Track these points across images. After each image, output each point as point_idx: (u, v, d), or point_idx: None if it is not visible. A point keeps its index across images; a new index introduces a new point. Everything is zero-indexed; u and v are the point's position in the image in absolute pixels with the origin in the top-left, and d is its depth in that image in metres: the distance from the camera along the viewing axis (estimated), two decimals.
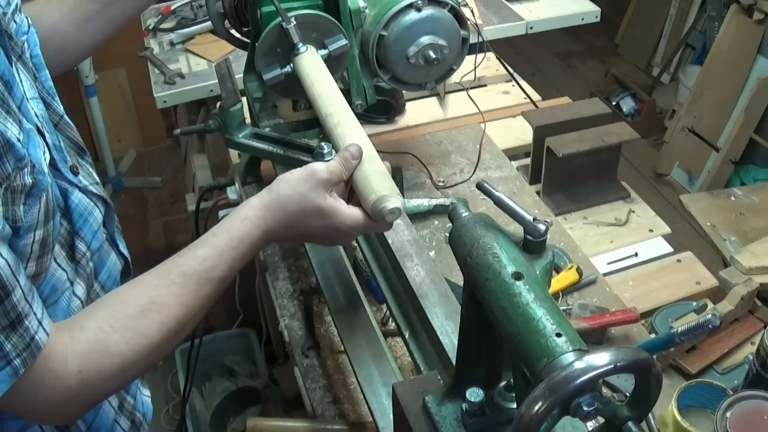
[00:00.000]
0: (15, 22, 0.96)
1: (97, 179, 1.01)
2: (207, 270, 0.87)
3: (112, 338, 0.79)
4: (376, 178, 0.96)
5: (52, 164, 0.88)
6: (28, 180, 0.76)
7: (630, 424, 0.63)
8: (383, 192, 0.94)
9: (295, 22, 1.27)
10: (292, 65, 1.29)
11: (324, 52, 1.31)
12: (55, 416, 0.83)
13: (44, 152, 0.83)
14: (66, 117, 0.99)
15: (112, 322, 0.80)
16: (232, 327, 2.50)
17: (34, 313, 0.74)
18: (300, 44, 1.28)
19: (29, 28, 0.99)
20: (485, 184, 0.80)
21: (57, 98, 1.00)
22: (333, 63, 1.30)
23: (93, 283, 0.96)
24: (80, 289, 0.92)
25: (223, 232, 0.90)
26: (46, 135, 0.88)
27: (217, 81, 1.43)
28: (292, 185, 0.94)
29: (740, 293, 1.28)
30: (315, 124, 1.50)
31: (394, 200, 0.93)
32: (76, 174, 0.94)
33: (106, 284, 1.00)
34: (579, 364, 0.59)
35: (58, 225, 0.86)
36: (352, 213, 0.95)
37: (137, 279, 0.87)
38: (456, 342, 0.84)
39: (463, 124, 1.90)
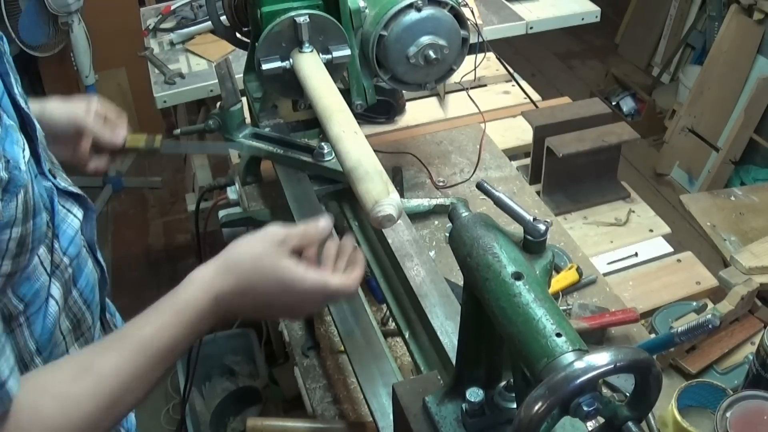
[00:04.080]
0: None
1: (70, 182, 0.97)
2: (148, 338, 0.79)
3: (43, 403, 0.73)
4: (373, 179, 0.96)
5: (39, 164, 0.86)
6: (4, 175, 0.72)
7: (630, 424, 0.63)
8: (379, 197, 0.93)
9: (309, 20, 1.27)
10: (291, 61, 1.29)
11: (327, 57, 1.31)
12: None
13: (24, 149, 0.78)
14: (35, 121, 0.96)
15: (47, 385, 0.74)
16: (232, 327, 2.50)
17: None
18: (306, 43, 1.29)
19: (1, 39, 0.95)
20: (485, 184, 0.80)
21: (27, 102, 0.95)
22: (331, 69, 1.30)
23: (71, 290, 0.92)
24: (57, 292, 0.88)
25: (169, 296, 0.82)
26: (38, 130, 0.86)
27: (217, 81, 1.43)
28: (245, 246, 0.87)
29: (740, 293, 1.28)
30: (315, 124, 1.50)
31: (387, 207, 0.91)
32: (54, 177, 0.91)
33: (84, 292, 0.95)
34: (579, 364, 0.59)
35: (42, 226, 0.81)
36: (313, 278, 0.86)
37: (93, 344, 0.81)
38: (456, 342, 0.84)
39: (463, 124, 1.90)
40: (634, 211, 1.68)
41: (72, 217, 0.93)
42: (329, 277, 0.88)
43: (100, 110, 1.22)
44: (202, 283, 0.83)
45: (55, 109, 1.15)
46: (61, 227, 0.90)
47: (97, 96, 1.24)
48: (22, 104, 0.85)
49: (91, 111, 1.20)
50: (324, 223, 0.91)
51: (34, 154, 0.87)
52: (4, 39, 0.92)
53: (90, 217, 0.97)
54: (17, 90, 0.84)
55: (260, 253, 0.85)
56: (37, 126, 0.91)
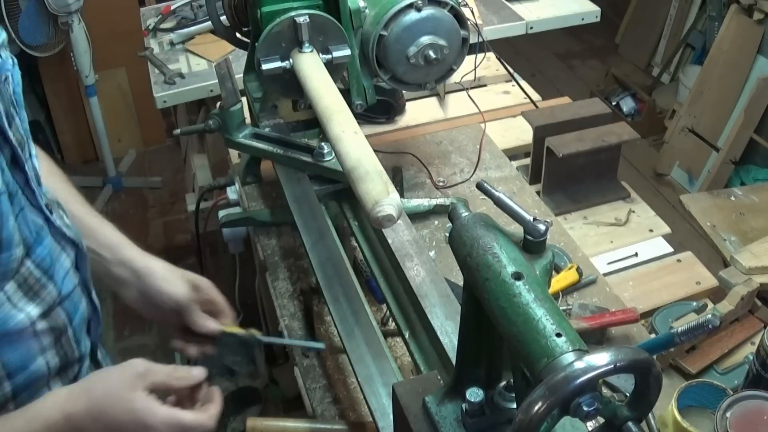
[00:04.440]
0: (0, 57, 0.90)
1: (68, 222, 0.96)
2: None
3: None
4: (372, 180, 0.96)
5: (30, 199, 0.86)
6: None
7: (630, 424, 0.63)
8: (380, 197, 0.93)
9: (309, 20, 1.27)
10: (291, 61, 1.29)
11: (327, 57, 1.31)
12: None
13: None
14: (34, 160, 0.93)
15: None
16: None
17: None
18: (306, 43, 1.29)
19: (14, 66, 0.94)
20: (485, 184, 0.80)
21: (30, 141, 0.93)
22: (331, 69, 1.30)
23: (67, 329, 0.92)
24: (46, 335, 0.88)
25: (26, 407, 0.83)
26: (31, 165, 0.85)
27: (217, 81, 1.43)
28: (104, 374, 0.90)
29: (740, 293, 1.28)
30: (315, 124, 1.50)
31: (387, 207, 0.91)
32: (51, 212, 0.91)
33: (76, 330, 0.95)
34: (579, 364, 0.59)
35: (11, 262, 0.81)
36: (165, 412, 0.86)
37: None
38: (456, 342, 0.84)
39: (463, 124, 1.90)
40: (634, 211, 1.68)
41: (65, 256, 0.93)
42: (181, 413, 0.89)
43: (209, 297, 1.12)
44: (54, 401, 0.84)
45: (163, 278, 1.09)
46: (56, 263, 0.90)
47: (207, 281, 1.13)
48: (11, 137, 0.83)
49: (200, 296, 1.11)
50: (197, 372, 0.92)
51: (27, 187, 0.86)
52: (15, 78, 0.91)
53: (83, 257, 0.97)
54: (5, 123, 0.83)
55: (115, 381, 0.86)
56: (30, 159, 0.89)
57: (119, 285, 1.10)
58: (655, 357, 1.22)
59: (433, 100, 2.03)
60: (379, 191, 0.93)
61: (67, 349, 0.94)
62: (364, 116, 1.84)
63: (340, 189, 1.42)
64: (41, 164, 1.05)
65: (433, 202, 1.55)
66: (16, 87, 0.93)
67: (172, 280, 1.09)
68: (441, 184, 1.68)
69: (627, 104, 4.11)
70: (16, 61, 0.95)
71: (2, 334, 0.83)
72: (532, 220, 0.75)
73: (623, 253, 1.57)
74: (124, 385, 0.86)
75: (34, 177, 0.92)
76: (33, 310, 0.86)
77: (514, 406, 0.80)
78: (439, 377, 0.89)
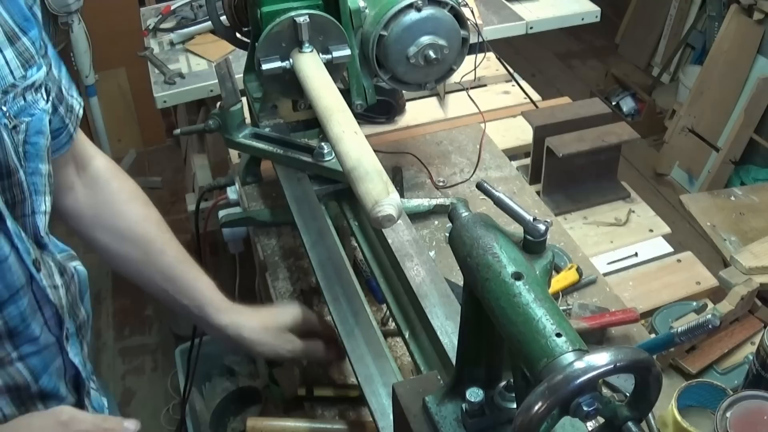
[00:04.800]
0: (24, 99, 0.85)
1: (58, 282, 0.93)
2: None
3: None
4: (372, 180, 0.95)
5: (16, 254, 0.83)
6: None
7: (630, 424, 0.63)
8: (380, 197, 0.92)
9: (309, 20, 1.27)
10: (291, 61, 1.29)
11: (327, 57, 1.31)
12: None
13: None
14: (37, 216, 0.90)
15: None
16: None
17: None
18: (306, 43, 1.29)
19: (43, 113, 0.88)
20: (485, 184, 0.80)
21: (41, 197, 0.90)
22: (331, 69, 1.30)
23: (30, 387, 0.90)
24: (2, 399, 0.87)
25: None
26: (7, 221, 0.81)
27: (217, 81, 1.43)
28: (26, 419, 0.84)
29: (740, 293, 1.28)
30: (315, 124, 1.50)
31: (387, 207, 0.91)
32: (38, 270, 0.88)
33: (46, 389, 0.93)
34: (579, 364, 0.59)
35: None
36: None
37: None
38: (456, 342, 0.84)
39: (463, 124, 1.89)
40: (634, 211, 1.68)
41: (39, 315, 0.90)
42: None
43: (307, 328, 1.18)
44: None
45: (251, 344, 1.13)
46: (26, 323, 0.88)
47: (299, 313, 1.17)
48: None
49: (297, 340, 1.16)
50: (129, 424, 0.88)
51: (13, 243, 0.83)
52: (34, 126, 0.86)
53: (59, 316, 0.94)
54: None
55: (36, 428, 0.84)
56: (32, 216, 0.87)
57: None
58: (655, 357, 1.22)
59: (433, 100, 2.03)
60: (379, 191, 0.93)
61: (30, 406, 0.92)
62: (364, 116, 1.84)
63: (340, 189, 1.42)
64: (137, 210, 1.09)
65: (433, 202, 1.55)
66: (35, 137, 0.87)
67: (262, 341, 1.13)
68: (441, 184, 1.68)
69: (627, 104, 4.11)
70: (49, 108, 0.89)
71: None
72: (532, 220, 0.75)
73: (623, 253, 1.57)
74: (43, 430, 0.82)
75: (31, 232, 0.89)
76: None
77: (514, 406, 0.80)
78: (439, 377, 0.89)
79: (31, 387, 0.91)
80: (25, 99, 0.85)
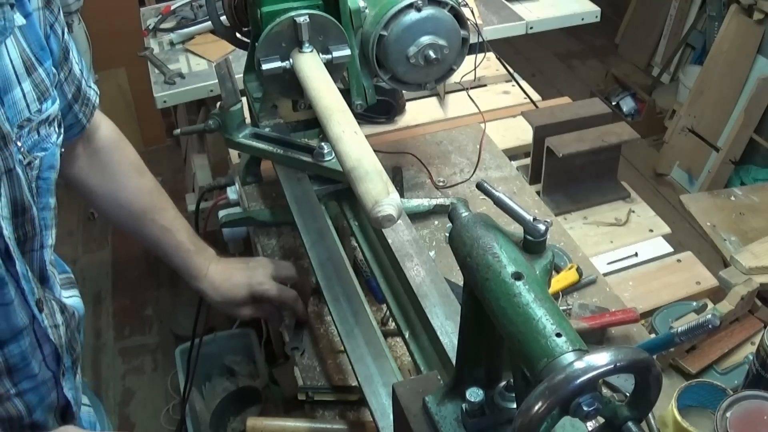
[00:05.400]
0: (38, 133, 0.84)
1: (59, 321, 0.94)
2: None
3: None
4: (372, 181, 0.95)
5: (21, 295, 0.84)
6: None
7: (630, 424, 0.63)
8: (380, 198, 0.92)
9: (309, 20, 1.27)
10: (291, 61, 1.29)
11: (327, 57, 1.31)
12: None
13: None
14: (48, 250, 0.92)
15: None
16: (232, 327, 2.50)
17: None
18: (306, 43, 1.29)
19: (56, 148, 0.88)
20: (485, 184, 0.80)
21: (48, 231, 0.91)
22: (331, 69, 1.30)
23: (23, 420, 0.91)
24: None
25: None
26: (17, 264, 0.82)
27: (217, 81, 1.43)
28: None
29: (740, 293, 1.28)
30: (315, 124, 1.50)
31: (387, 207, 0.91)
32: (41, 310, 0.88)
33: (38, 421, 0.94)
34: (579, 364, 0.59)
35: None
36: None
37: None
38: (456, 342, 0.84)
39: (463, 124, 1.90)
40: (634, 211, 1.68)
41: (38, 352, 0.90)
42: None
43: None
44: None
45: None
46: (26, 361, 0.88)
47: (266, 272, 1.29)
48: (5, 231, 0.80)
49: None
50: None
51: (19, 284, 0.83)
52: (47, 161, 0.87)
53: (55, 351, 0.94)
54: (3, 213, 0.80)
55: None
56: (40, 250, 0.88)
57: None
58: (655, 357, 1.22)
59: (433, 100, 2.03)
60: (379, 191, 0.93)
61: None
62: (364, 116, 1.84)
63: (340, 189, 1.42)
64: (134, 182, 1.19)
65: (433, 202, 1.55)
66: (47, 171, 0.88)
67: (220, 310, 1.31)
68: (441, 184, 1.68)
69: (627, 104, 4.11)
70: (60, 138, 0.89)
71: None
72: (532, 220, 0.75)
73: (623, 253, 1.57)
74: None
75: (38, 266, 0.89)
76: None
77: (514, 406, 0.80)
78: (439, 377, 0.89)
79: (24, 419, 0.92)
80: (39, 133, 0.85)
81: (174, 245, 1.26)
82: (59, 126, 0.90)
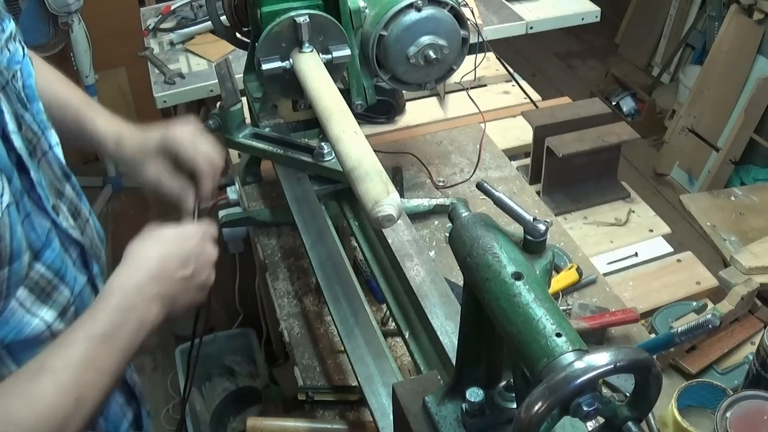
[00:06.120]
0: (8, 50, 0.91)
1: (73, 223, 0.96)
2: (88, 325, 0.81)
3: (11, 403, 0.74)
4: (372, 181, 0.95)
5: (37, 203, 0.86)
6: None
7: (630, 424, 0.63)
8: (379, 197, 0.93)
9: (309, 20, 1.27)
10: (291, 61, 1.29)
11: (327, 57, 1.31)
12: None
13: (2, 194, 0.78)
14: (55, 149, 0.95)
15: (11, 387, 0.75)
16: (232, 327, 2.50)
17: None
18: (306, 43, 1.29)
19: (24, 57, 0.95)
20: (485, 184, 0.80)
21: (50, 131, 0.96)
22: (331, 69, 1.30)
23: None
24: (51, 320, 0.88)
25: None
26: (31, 172, 0.85)
27: (217, 81, 1.43)
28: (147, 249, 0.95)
29: (740, 293, 1.28)
30: (315, 124, 1.50)
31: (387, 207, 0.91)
32: (57, 214, 0.91)
33: None
34: (579, 364, 0.59)
35: (20, 270, 0.81)
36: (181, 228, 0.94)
37: None
38: (456, 342, 0.84)
39: (463, 124, 1.90)
40: (634, 211, 1.68)
41: (67, 257, 0.93)
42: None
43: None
44: (112, 282, 0.87)
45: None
46: (65, 265, 0.91)
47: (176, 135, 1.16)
48: (16, 143, 0.83)
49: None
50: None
51: (33, 191, 0.86)
52: (25, 70, 0.93)
53: (88, 255, 0.97)
54: (11, 128, 0.83)
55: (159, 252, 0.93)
56: (50, 150, 0.92)
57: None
58: (655, 357, 1.22)
59: (433, 100, 2.03)
60: (379, 191, 0.93)
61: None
62: (364, 116, 1.84)
63: (340, 189, 1.42)
64: (39, 75, 1.06)
65: (433, 202, 1.55)
66: (28, 79, 0.94)
67: (129, 175, 1.18)
68: (441, 184, 1.68)
69: (627, 104, 4.11)
70: (26, 50, 0.95)
71: (20, 341, 0.83)
72: (532, 220, 0.75)
73: (623, 253, 1.57)
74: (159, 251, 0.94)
75: (57, 165, 0.94)
76: (47, 313, 0.86)
77: (514, 406, 0.80)
78: (439, 377, 0.89)
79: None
80: (9, 50, 0.91)
81: (90, 120, 1.16)
82: (20, 42, 0.95)
